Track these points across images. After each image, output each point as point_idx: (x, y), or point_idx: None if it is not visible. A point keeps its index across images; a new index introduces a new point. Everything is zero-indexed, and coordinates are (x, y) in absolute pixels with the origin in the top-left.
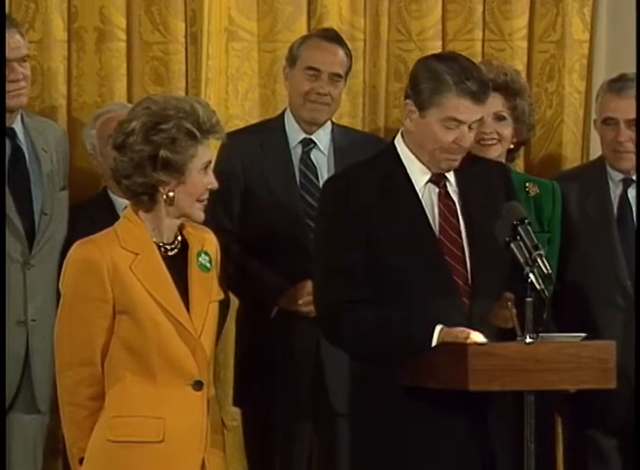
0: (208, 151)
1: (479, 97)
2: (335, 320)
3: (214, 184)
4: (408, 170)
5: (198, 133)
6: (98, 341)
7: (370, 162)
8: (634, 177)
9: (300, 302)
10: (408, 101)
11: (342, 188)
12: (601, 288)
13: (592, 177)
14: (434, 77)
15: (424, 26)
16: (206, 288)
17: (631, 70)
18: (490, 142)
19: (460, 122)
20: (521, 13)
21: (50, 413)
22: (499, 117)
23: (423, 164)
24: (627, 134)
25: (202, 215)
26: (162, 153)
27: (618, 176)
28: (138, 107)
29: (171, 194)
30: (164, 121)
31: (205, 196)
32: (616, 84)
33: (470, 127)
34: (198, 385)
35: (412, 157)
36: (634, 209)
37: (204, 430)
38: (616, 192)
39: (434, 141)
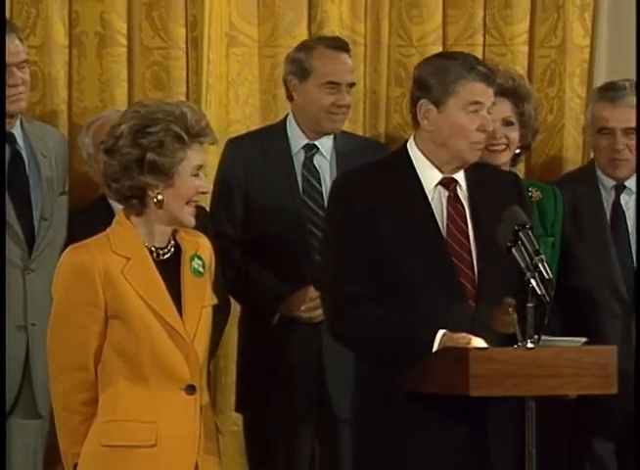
0: (199, 155)
1: (490, 79)
2: (338, 318)
3: (206, 188)
4: (419, 173)
5: (186, 137)
6: (91, 346)
7: (380, 162)
8: (626, 184)
9: (302, 308)
10: (422, 101)
11: (349, 187)
12: (597, 295)
13: (583, 184)
14: (442, 71)
15: (424, 31)
16: (199, 293)
17: (632, 75)
18: (500, 148)
19: (481, 105)
20: (521, 18)
21: (50, 418)
22: (508, 123)
23: (434, 166)
24: (624, 142)
25: (192, 221)
26: (150, 156)
27: (611, 183)
28: (128, 110)
29: (160, 197)
30: (153, 125)
31: (196, 199)
32: (608, 93)
33: (488, 112)
34: (190, 389)
35: (424, 159)
36: (627, 215)
37: (197, 434)
38: (608, 199)
39: (459, 130)
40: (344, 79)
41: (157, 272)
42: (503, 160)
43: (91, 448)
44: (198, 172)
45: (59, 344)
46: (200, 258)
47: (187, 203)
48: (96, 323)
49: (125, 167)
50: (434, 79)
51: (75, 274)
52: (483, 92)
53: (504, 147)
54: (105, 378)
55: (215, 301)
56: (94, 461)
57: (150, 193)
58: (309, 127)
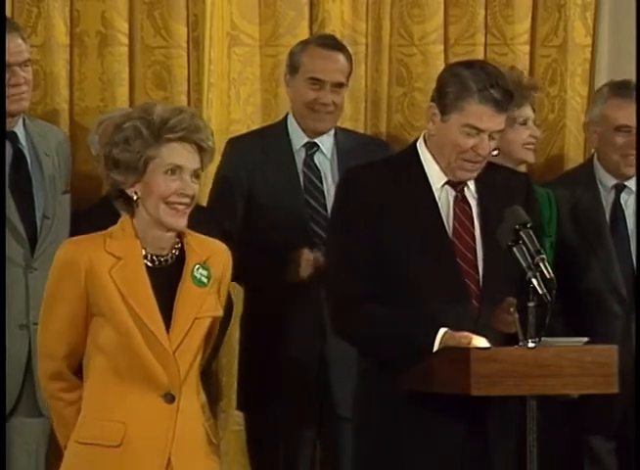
0: (177, 155)
1: (501, 105)
2: (341, 314)
3: (185, 190)
4: (427, 172)
5: (148, 134)
6: (64, 338)
7: (388, 160)
8: (626, 183)
9: (302, 272)
10: (432, 104)
11: (356, 183)
12: (597, 295)
13: (581, 184)
14: (458, 82)
15: (426, 31)
16: (195, 303)
17: (633, 74)
18: (534, 147)
19: (480, 131)
20: (523, 17)
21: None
22: (538, 125)
23: (441, 167)
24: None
25: (175, 223)
26: (114, 151)
27: (610, 182)
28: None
29: (135, 196)
30: (126, 122)
31: (177, 201)
32: (625, 92)
33: (491, 137)
34: (169, 397)
35: (431, 159)
36: (627, 214)
37: (169, 440)
38: (607, 198)
39: (452, 146)
40: (329, 78)
41: (147, 277)
42: (533, 158)
43: (70, 444)
44: (177, 173)
45: (41, 332)
46: (205, 268)
47: (165, 203)
48: (75, 317)
49: (101, 163)
50: (449, 88)
51: (62, 268)
52: (489, 118)
53: (534, 146)
54: (87, 374)
55: (219, 313)
56: (69, 456)
57: (127, 191)
58: (302, 125)
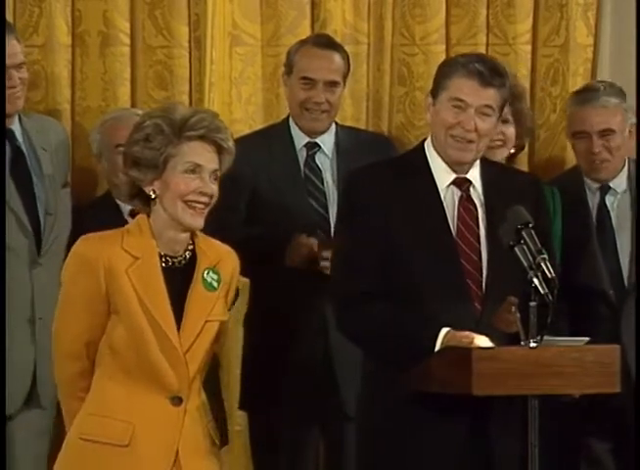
0: (197, 154)
1: (486, 79)
2: (345, 313)
3: (205, 188)
4: (433, 171)
5: (169, 130)
6: (83, 337)
7: (396, 159)
8: (611, 184)
9: (300, 252)
10: (428, 93)
11: (358, 184)
12: (584, 298)
13: (570, 187)
14: (447, 65)
15: (427, 31)
16: (206, 307)
17: (633, 74)
18: (497, 144)
19: (466, 104)
20: (525, 17)
21: (56, 410)
22: (504, 120)
23: (447, 164)
24: (600, 144)
25: (193, 222)
26: (134, 149)
27: (595, 184)
28: None
29: (153, 194)
30: (147, 120)
31: (197, 200)
32: (581, 96)
33: (482, 114)
34: (176, 400)
35: (438, 158)
36: (612, 215)
37: (175, 441)
38: (593, 200)
39: (441, 124)
40: (321, 76)
41: (162, 278)
42: (500, 156)
43: (71, 438)
44: (196, 172)
45: (60, 332)
46: (215, 272)
47: (184, 201)
48: (94, 315)
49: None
50: (438, 73)
51: (80, 265)
52: (473, 91)
53: (501, 143)
54: (97, 370)
55: (226, 317)
56: (69, 450)
57: (145, 189)
58: (298, 125)
